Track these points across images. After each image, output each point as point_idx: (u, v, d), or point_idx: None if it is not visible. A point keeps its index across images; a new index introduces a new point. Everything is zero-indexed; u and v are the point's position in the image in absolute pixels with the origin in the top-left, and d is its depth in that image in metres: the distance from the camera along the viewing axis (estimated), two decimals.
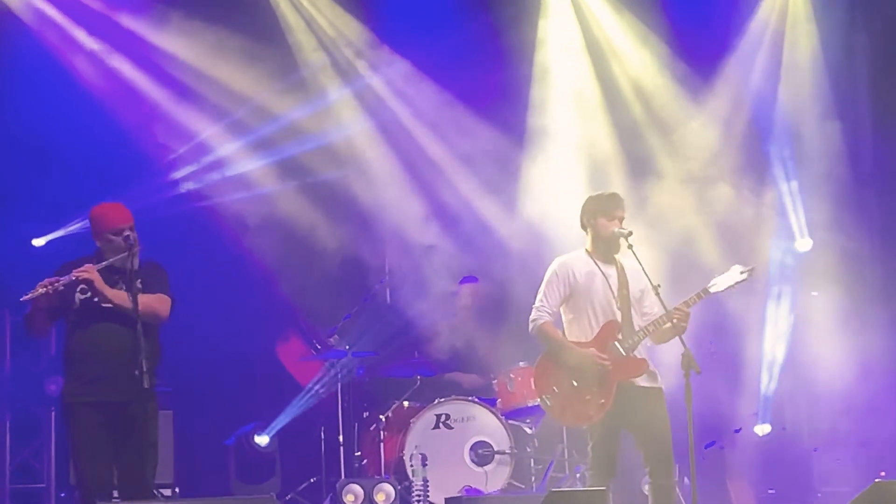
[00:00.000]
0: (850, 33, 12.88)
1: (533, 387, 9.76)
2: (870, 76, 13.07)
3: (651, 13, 12.86)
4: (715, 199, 12.37)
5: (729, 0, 13.01)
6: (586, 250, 8.97)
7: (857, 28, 12.95)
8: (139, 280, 8.16)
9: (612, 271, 8.87)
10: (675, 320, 8.56)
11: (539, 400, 9.00)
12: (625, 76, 13.09)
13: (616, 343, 8.74)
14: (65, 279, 8.06)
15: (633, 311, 8.83)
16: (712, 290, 8.83)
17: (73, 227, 11.81)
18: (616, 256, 8.91)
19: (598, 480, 8.59)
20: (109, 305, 8.15)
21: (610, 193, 9.09)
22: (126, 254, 8.18)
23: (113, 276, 8.23)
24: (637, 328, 8.77)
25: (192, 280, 11.66)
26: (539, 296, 8.94)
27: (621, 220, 8.86)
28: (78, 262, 8.24)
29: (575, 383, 8.76)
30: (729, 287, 8.86)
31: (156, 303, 8.27)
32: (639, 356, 8.78)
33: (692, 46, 12.80)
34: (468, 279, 12.67)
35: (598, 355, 8.68)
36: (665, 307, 8.59)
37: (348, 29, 13.01)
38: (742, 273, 8.88)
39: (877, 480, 8.11)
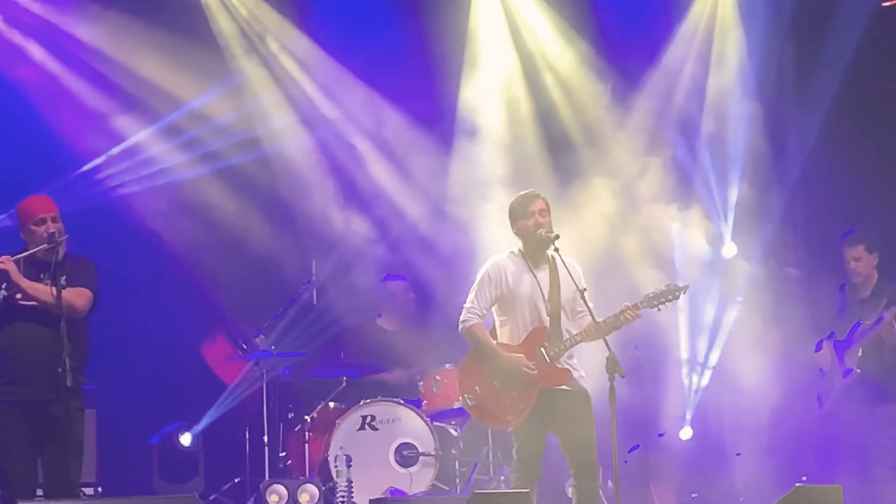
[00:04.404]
0: (778, 42, 12.96)
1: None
2: (796, 84, 13.17)
3: (580, 16, 12.89)
4: (640, 203, 12.42)
5: (657, 6, 13.08)
6: (519, 250, 8.94)
7: (785, 37, 13.04)
8: (63, 276, 8.06)
9: (543, 273, 8.85)
10: (624, 318, 8.70)
11: (461, 399, 9.02)
12: (553, 77, 13.09)
13: (542, 350, 8.75)
14: None
15: (563, 315, 8.83)
16: (644, 304, 8.87)
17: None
18: (550, 255, 8.85)
19: (522, 483, 8.62)
20: (31, 303, 8.04)
21: (523, 193, 9.04)
22: (47, 245, 8.08)
23: (37, 271, 8.12)
24: (566, 335, 8.79)
25: (117, 277, 11.57)
26: (470, 296, 8.92)
27: (540, 212, 8.82)
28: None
29: (497, 385, 8.78)
30: (661, 304, 8.92)
31: (72, 296, 8.11)
32: (564, 364, 8.79)
33: (620, 50, 12.84)
34: (395, 277, 12.63)
35: (525, 363, 8.70)
36: (592, 313, 8.63)
37: (273, 23, 12.93)
38: (676, 293, 8.94)
39: (797, 485, 8.19)
